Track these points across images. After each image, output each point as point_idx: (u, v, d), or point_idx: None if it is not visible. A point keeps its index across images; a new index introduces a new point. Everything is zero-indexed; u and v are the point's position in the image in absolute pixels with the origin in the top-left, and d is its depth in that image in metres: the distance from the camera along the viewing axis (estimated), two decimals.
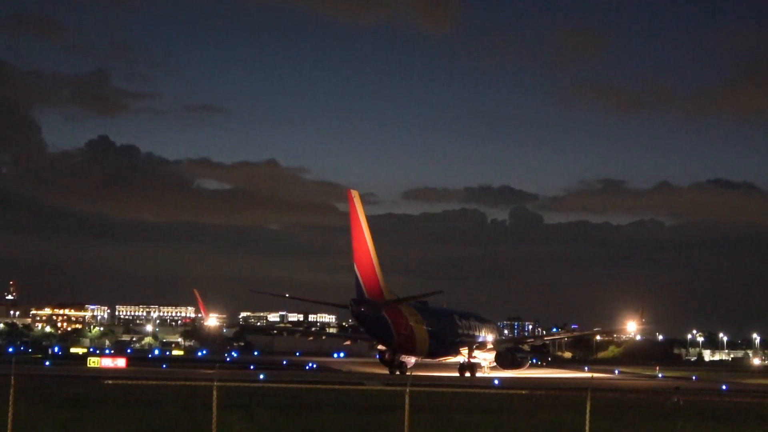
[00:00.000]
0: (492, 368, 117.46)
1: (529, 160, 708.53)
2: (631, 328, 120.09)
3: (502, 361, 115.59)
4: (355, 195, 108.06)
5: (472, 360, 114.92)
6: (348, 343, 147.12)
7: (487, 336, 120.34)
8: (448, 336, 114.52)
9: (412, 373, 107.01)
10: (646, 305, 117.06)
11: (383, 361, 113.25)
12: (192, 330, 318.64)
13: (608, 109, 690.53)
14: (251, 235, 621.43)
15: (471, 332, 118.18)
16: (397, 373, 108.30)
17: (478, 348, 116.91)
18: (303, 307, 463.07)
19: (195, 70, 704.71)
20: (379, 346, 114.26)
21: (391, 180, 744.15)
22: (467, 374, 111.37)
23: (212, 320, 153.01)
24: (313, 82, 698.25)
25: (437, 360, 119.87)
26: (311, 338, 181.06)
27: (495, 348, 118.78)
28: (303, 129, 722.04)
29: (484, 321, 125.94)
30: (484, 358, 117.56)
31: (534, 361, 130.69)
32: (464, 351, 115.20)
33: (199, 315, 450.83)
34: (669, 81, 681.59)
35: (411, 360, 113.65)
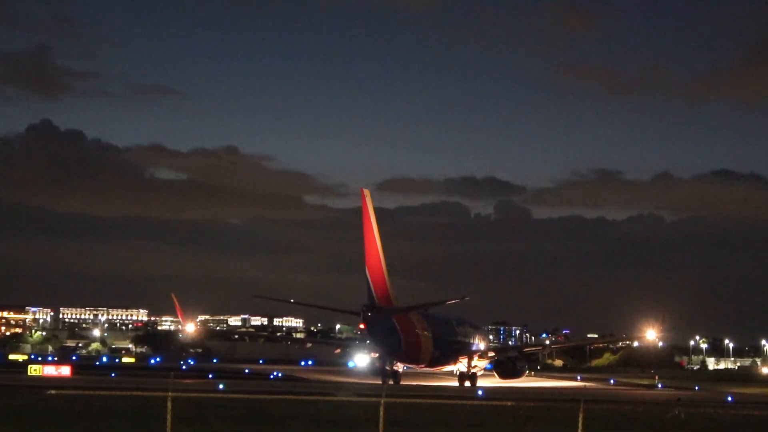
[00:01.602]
0: (479, 376, 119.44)
1: (516, 149, 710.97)
2: (651, 336, 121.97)
3: (503, 370, 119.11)
4: (367, 194, 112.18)
5: (472, 369, 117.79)
6: (338, 351, 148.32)
7: (480, 343, 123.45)
8: (450, 344, 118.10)
9: (394, 383, 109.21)
10: (666, 311, 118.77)
11: (375, 370, 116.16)
12: (144, 335, 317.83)
13: (603, 93, 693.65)
14: (209, 230, 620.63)
15: (468, 340, 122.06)
16: (391, 382, 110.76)
17: (480, 357, 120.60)
18: (267, 311, 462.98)
19: (146, 47, 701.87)
20: (372, 354, 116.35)
21: (364, 170, 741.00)
22: (467, 383, 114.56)
23: (190, 326, 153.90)
24: (277, 62, 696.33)
25: (436, 369, 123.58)
26: (309, 345, 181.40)
27: (496, 356, 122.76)
28: (266, 113, 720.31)
29: (477, 328, 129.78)
30: (477, 366, 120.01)
31: None
32: (463, 359, 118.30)
33: (153, 319, 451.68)
34: (669, 63, 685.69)
35: (400, 368, 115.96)
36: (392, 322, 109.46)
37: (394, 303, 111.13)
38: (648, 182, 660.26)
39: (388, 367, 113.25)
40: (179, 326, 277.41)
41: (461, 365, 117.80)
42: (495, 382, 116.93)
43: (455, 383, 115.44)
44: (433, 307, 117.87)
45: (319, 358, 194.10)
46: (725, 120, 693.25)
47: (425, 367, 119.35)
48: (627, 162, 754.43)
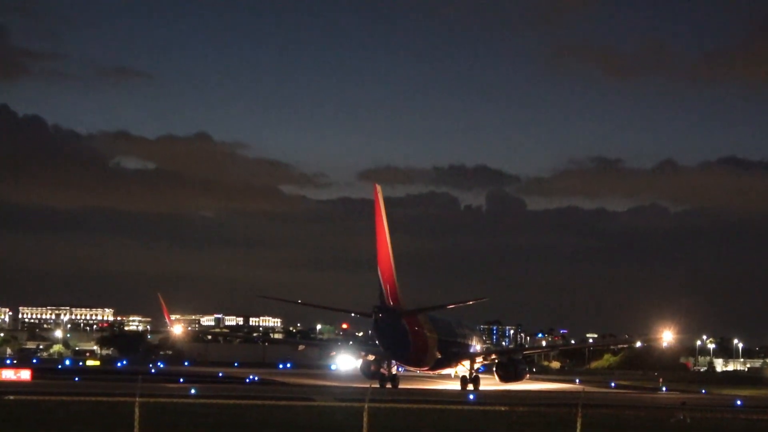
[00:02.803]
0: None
1: (509, 136, 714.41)
2: (668, 337, 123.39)
3: (504, 373, 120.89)
4: (379, 190, 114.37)
5: (474, 372, 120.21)
6: (333, 353, 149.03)
7: (477, 345, 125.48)
8: (452, 346, 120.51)
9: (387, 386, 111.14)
10: (683, 311, 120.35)
11: (370, 374, 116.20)
12: (110, 336, 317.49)
13: (602, 75, 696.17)
14: (179, 223, 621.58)
15: (467, 342, 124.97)
16: (389, 386, 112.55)
17: (483, 359, 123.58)
18: (243, 310, 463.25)
19: (111, 26, 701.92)
20: (369, 356, 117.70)
21: (346, 158, 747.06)
22: (470, 386, 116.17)
23: (178, 328, 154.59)
24: (252, 42, 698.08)
25: (436, 372, 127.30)
26: (301, 348, 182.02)
27: (497, 358, 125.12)
28: (240, 97, 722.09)
29: (473, 329, 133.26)
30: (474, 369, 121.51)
31: None
32: (465, 362, 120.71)
33: (119, 319, 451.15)
34: (673, 42, 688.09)
35: (394, 370, 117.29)
36: (403, 324, 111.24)
37: (403, 304, 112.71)
38: (650, 171, 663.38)
39: (384, 370, 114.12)
40: (156, 327, 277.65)
41: (461, 368, 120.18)
42: (495, 384, 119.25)
43: (455, 386, 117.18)
44: (437, 309, 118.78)
45: (298, 360, 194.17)
46: (733, 104, 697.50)
47: (428, 370, 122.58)
48: (628, 149, 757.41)
